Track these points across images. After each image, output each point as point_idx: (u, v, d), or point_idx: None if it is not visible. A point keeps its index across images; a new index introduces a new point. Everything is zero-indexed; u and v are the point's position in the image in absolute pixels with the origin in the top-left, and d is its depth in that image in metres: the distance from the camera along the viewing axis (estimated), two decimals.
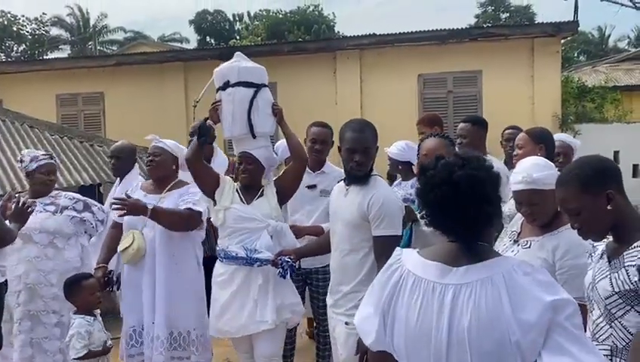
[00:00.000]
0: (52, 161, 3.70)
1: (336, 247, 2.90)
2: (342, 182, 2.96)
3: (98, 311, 3.29)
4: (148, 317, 3.40)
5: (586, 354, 1.35)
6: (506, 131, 4.53)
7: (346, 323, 2.76)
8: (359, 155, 2.73)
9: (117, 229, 3.59)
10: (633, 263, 1.75)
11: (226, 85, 3.30)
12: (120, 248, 3.43)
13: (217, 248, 3.36)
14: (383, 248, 2.62)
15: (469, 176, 1.45)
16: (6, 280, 3.24)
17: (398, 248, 1.70)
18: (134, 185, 3.74)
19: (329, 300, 2.97)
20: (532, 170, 2.32)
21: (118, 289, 3.66)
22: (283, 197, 3.42)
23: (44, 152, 3.80)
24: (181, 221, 3.43)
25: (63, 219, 3.59)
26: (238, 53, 3.47)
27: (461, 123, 4.09)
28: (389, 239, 2.63)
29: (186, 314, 3.46)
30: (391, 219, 2.68)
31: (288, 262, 3.04)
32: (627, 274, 1.77)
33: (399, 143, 4.38)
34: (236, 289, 3.21)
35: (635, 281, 1.74)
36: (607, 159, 1.99)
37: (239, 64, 3.35)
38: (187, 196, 3.47)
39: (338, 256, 2.88)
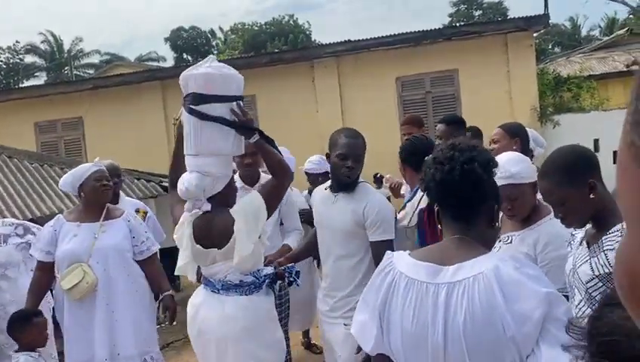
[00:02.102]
0: None
1: (328, 254, 2.90)
2: (327, 190, 2.93)
3: (41, 350, 3.14)
4: (101, 352, 3.20)
5: None
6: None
7: (345, 324, 2.75)
8: (352, 161, 2.75)
9: (44, 271, 3.31)
10: (612, 247, 1.79)
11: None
12: (67, 285, 3.16)
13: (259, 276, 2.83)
14: (380, 253, 2.63)
15: (468, 143, 1.61)
16: None
17: (389, 251, 1.73)
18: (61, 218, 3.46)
19: (324, 306, 2.96)
20: (509, 165, 2.33)
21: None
22: None
23: None
24: None
25: (9, 248, 3.50)
26: (211, 56, 3.03)
27: (438, 124, 4.17)
28: (386, 243, 2.71)
29: (153, 335, 3.44)
30: (387, 225, 2.77)
31: (295, 268, 2.94)
32: (606, 257, 1.80)
33: (313, 158, 4.66)
34: None
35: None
36: (585, 149, 2.03)
37: None
38: (139, 230, 3.42)
39: (331, 262, 2.89)
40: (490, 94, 10.25)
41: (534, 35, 11.18)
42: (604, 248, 1.82)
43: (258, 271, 2.80)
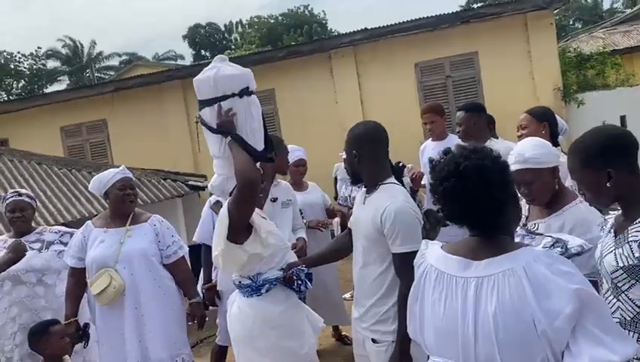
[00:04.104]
0: (20, 198, 3.62)
1: (356, 260, 2.74)
2: (363, 189, 2.75)
3: (68, 359, 3.19)
4: (133, 356, 3.25)
5: (620, 342, 1.37)
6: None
7: (373, 341, 2.64)
8: (346, 154, 2.64)
9: (76, 277, 3.40)
10: (636, 238, 1.76)
11: (244, 92, 2.74)
12: (95, 291, 3.24)
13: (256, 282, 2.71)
14: (401, 266, 2.43)
15: (475, 166, 1.50)
16: None
17: (424, 241, 1.73)
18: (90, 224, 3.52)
19: (355, 313, 2.81)
20: (525, 150, 2.35)
21: (86, 345, 3.43)
22: None
23: (15, 190, 3.79)
24: None
25: (49, 255, 3.56)
26: (219, 56, 2.92)
27: (457, 111, 4.14)
28: (407, 255, 2.30)
29: (183, 337, 3.45)
30: (407, 234, 2.43)
31: (304, 270, 2.75)
32: (631, 249, 1.77)
33: None
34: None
35: (638, 256, 1.74)
36: (620, 133, 1.91)
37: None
38: (166, 234, 3.44)
39: (357, 268, 2.73)
40: (512, 75, 10.10)
41: (554, 12, 10.96)
42: (629, 239, 1.79)
43: (258, 274, 2.67)
